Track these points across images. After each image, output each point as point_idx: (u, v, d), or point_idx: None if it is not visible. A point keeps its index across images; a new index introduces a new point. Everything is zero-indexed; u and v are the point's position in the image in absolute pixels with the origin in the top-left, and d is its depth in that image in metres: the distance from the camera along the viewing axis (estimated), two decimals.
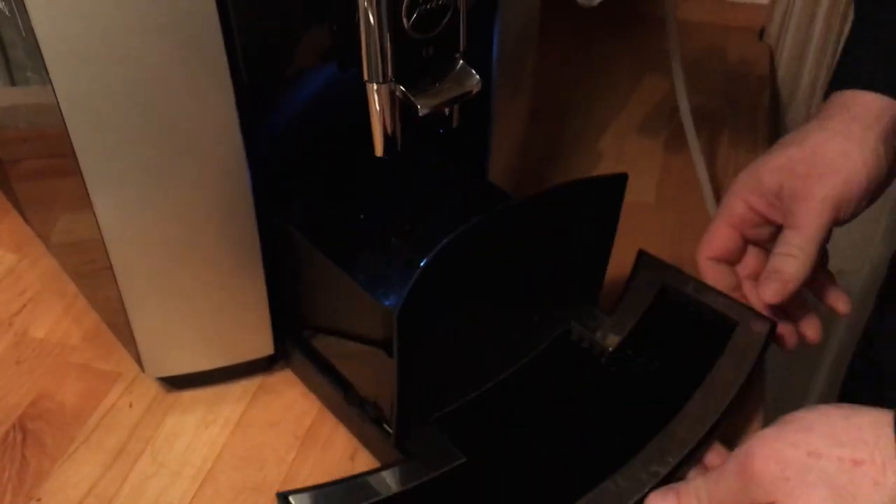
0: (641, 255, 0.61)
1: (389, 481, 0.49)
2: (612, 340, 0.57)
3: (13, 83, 0.63)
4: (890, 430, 0.41)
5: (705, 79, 0.95)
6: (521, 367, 0.56)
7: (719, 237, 0.60)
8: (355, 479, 0.49)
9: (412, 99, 0.47)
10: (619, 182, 0.55)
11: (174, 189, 0.50)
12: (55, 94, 0.45)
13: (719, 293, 0.58)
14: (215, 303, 0.56)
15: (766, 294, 0.56)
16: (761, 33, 1.03)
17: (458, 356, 0.53)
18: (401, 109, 0.49)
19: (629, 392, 0.55)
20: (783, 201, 0.56)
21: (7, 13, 0.47)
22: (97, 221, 0.51)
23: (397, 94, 0.48)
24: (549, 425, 0.54)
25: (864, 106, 0.56)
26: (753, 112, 0.91)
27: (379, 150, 0.50)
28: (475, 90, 0.50)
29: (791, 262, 0.55)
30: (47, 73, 0.44)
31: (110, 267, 0.53)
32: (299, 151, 0.56)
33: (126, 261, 0.53)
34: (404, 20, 0.45)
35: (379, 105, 0.48)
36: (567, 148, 0.86)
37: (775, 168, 0.56)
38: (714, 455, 0.52)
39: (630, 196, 0.78)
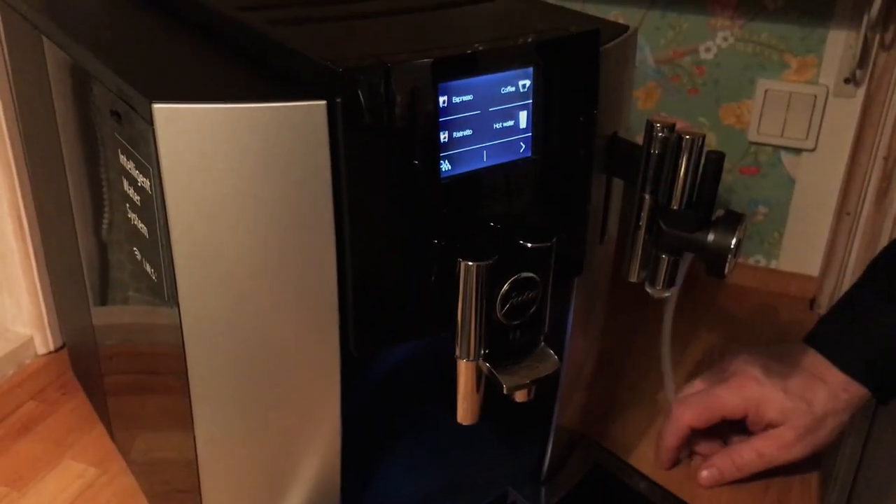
0: (581, 438, 0.76)
1: None
2: None
3: (103, 303, 0.69)
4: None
5: (757, 345, 0.99)
6: None
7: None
8: None
9: (498, 377, 0.52)
10: None
11: (270, 429, 0.54)
12: (180, 317, 0.49)
13: (643, 476, 0.73)
14: None
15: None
16: (812, 303, 1.08)
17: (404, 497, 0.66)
18: (485, 384, 0.54)
19: None
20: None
21: (146, 234, 0.52)
22: (195, 443, 0.54)
23: (483, 370, 0.53)
24: None
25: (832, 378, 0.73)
26: None
27: (461, 418, 0.55)
28: (554, 372, 0.55)
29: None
30: (176, 297, 0.48)
31: (199, 490, 0.56)
32: (386, 408, 0.61)
33: (215, 487, 0.56)
34: (498, 309, 0.51)
35: (466, 378, 0.53)
36: (627, 401, 0.89)
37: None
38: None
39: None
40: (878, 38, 0.95)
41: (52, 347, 0.90)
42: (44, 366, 0.88)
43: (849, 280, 1.03)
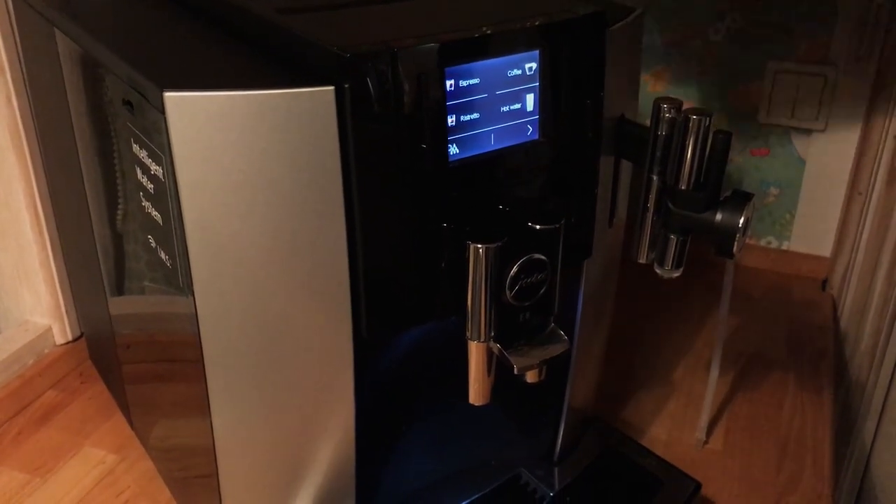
0: (593, 421, 0.76)
1: None
2: (555, 487, 0.69)
3: (119, 293, 0.70)
4: None
5: (769, 326, 1.00)
6: (473, 499, 0.69)
7: None
8: None
9: (508, 358, 0.53)
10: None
11: (285, 414, 0.55)
12: (195, 304, 0.49)
13: (654, 456, 0.73)
14: None
15: None
16: (824, 284, 1.08)
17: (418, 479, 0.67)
18: (496, 364, 0.54)
19: None
20: None
21: (160, 222, 0.52)
22: (212, 429, 0.54)
23: (494, 351, 0.53)
24: None
25: None
26: (817, 360, 0.95)
27: (473, 399, 0.55)
28: (564, 352, 0.55)
29: None
30: (190, 285, 0.49)
31: (216, 475, 0.57)
32: (399, 391, 0.62)
33: (232, 472, 0.57)
34: (507, 291, 0.52)
35: (477, 360, 0.54)
36: (639, 383, 0.90)
37: None
38: None
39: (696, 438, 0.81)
40: (887, 16, 0.95)
41: (70, 337, 0.91)
42: (62, 355, 0.89)
43: (861, 260, 1.03)
